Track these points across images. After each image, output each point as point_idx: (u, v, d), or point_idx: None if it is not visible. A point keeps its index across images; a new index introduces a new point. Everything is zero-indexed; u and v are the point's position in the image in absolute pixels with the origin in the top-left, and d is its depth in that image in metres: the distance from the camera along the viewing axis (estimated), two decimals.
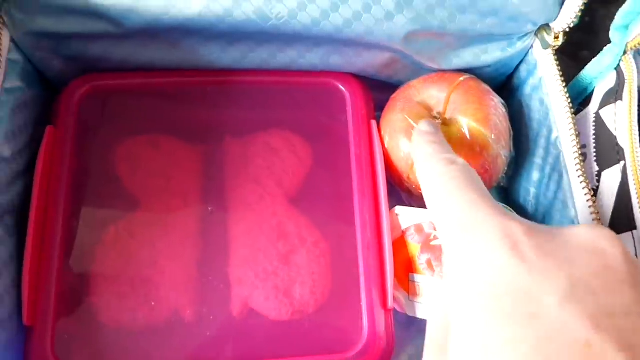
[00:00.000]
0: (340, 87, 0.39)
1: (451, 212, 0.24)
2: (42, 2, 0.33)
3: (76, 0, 0.33)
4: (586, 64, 0.37)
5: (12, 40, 0.35)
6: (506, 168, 0.38)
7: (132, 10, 0.33)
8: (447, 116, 0.37)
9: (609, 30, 0.34)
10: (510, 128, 0.37)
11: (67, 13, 0.34)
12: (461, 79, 0.37)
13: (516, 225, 0.22)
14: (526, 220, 0.22)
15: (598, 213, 0.32)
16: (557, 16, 0.35)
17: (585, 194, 0.33)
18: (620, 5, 0.32)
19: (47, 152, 0.35)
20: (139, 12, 0.33)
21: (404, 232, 0.36)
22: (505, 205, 0.38)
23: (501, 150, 0.36)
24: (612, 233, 0.21)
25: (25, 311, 0.32)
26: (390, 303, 0.34)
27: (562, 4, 0.34)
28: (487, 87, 0.38)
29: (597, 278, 0.19)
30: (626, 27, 0.32)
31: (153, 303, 0.34)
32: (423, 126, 0.32)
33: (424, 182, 0.27)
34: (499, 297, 0.20)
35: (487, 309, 0.20)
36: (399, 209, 0.36)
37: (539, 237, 0.21)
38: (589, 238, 0.21)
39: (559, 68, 0.35)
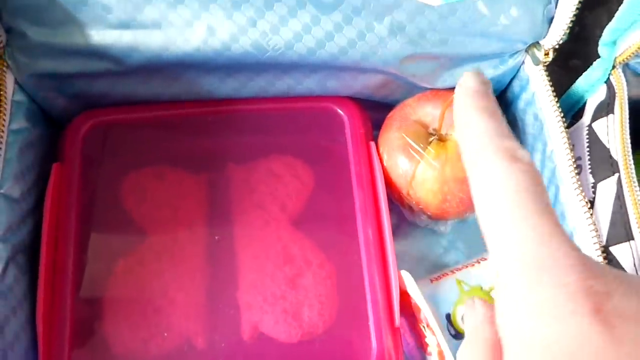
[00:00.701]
0: (338, 110, 0.40)
1: (513, 244, 0.19)
2: (45, 45, 0.34)
3: (77, 41, 0.34)
4: (576, 72, 0.37)
5: (16, 81, 0.36)
6: None
7: (132, 49, 0.34)
8: (443, 132, 0.38)
9: (597, 38, 0.34)
10: None
11: (69, 54, 0.35)
12: (454, 95, 0.38)
13: (598, 281, 0.17)
14: (602, 266, 0.18)
15: (596, 225, 0.33)
16: (547, 34, 0.35)
17: (583, 206, 0.33)
18: (609, 14, 0.32)
19: (55, 189, 0.36)
20: (139, 50, 0.34)
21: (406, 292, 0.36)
22: None
23: None
24: None
25: (41, 348, 0.33)
26: (397, 321, 0.35)
27: (551, 22, 0.35)
28: None
29: None
30: (614, 42, 0.33)
31: (165, 334, 0.34)
32: (469, 80, 0.23)
33: (475, 184, 0.21)
34: None
35: None
36: (405, 275, 0.35)
37: (625, 297, 0.17)
38: None
39: (551, 83, 0.36)
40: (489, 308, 0.23)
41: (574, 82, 0.38)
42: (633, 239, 0.31)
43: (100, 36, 0.34)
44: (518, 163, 0.20)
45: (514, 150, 0.20)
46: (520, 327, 0.18)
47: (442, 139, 0.37)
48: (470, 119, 0.22)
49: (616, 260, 0.32)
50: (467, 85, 0.23)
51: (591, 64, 0.36)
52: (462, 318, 0.36)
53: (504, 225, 0.19)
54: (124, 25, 0.33)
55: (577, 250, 0.18)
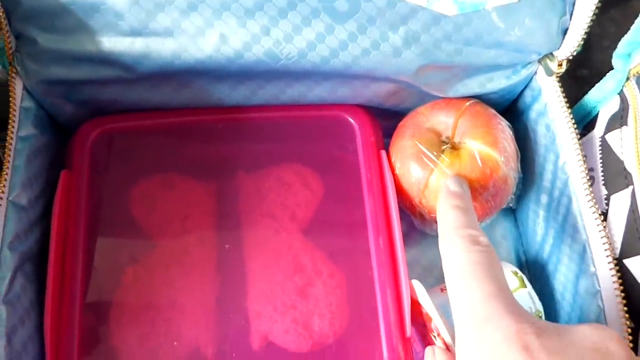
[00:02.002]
0: (349, 118, 0.40)
1: (467, 304, 0.25)
2: (55, 52, 0.34)
3: (88, 48, 0.33)
4: (584, 82, 0.37)
5: (25, 88, 0.35)
6: (515, 188, 0.39)
7: (144, 56, 0.34)
8: (456, 140, 0.37)
9: (603, 48, 0.34)
10: (518, 150, 0.38)
11: (80, 61, 0.34)
12: (467, 103, 0.38)
13: (529, 326, 0.23)
14: (535, 319, 0.24)
15: (609, 237, 0.33)
16: (561, 45, 0.35)
17: (596, 219, 0.33)
18: (615, 25, 0.32)
19: (63, 196, 0.36)
20: (151, 57, 0.34)
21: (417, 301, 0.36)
22: (517, 270, 0.39)
23: (510, 172, 0.37)
24: (617, 334, 0.23)
25: (49, 357, 0.32)
26: (409, 331, 0.35)
27: (565, 33, 0.35)
28: (493, 111, 0.38)
29: None
30: (629, 55, 0.33)
31: (175, 343, 0.34)
32: (452, 185, 0.33)
33: (446, 256, 0.28)
34: None
35: None
36: (416, 284, 0.36)
37: (550, 338, 0.22)
38: (596, 339, 0.22)
39: (564, 95, 0.36)
40: (447, 356, 0.31)
41: (582, 91, 0.38)
42: None
43: (112, 43, 0.33)
44: (477, 245, 0.27)
45: (476, 236, 0.28)
46: None
47: (455, 147, 0.37)
48: (447, 211, 0.31)
49: (630, 272, 0.32)
50: (450, 186, 0.33)
51: (599, 73, 0.36)
52: None
53: (462, 290, 0.26)
54: (136, 32, 0.33)
55: (516, 305, 0.24)
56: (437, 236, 0.42)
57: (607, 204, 0.34)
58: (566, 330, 0.23)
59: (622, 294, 0.31)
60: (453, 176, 0.34)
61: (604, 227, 0.33)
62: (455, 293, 0.26)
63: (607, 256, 0.33)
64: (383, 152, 0.39)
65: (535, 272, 0.41)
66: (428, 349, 0.32)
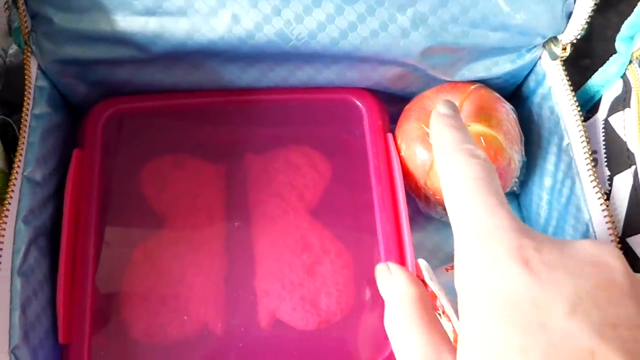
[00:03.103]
0: (357, 102, 0.40)
1: (469, 218, 0.24)
2: (70, 31, 0.34)
3: (103, 27, 0.34)
4: (587, 71, 0.38)
5: (39, 67, 0.36)
6: (518, 172, 0.39)
7: (157, 36, 0.34)
8: None
9: (607, 39, 0.35)
10: (522, 133, 0.39)
11: (94, 40, 0.35)
12: (472, 87, 0.39)
13: (529, 241, 0.22)
14: (537, 233, 0.23)
15: (612, 216, 0.33)
16: (565, 29, 0.36)
17: (599, 198, 0.34)
18: (619, 15, 0.33)
19: (76, 174, 0.36)
20: (164, 37, 0.34)
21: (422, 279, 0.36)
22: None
23: (514, 155, 0.38)
24: (616, 249, 0.22)
25: (61, 329, 0.33)
26: None
27: (569, 17, 0.36)
28: (498, 95, 0.39)
29: (602, 291, 0.20)
30: (631, 37, 0.34)
31: (185, 317, 0.35)
32: (442, 108, 0.31)
33: (443, 176, 0.27)
34: (510, 307, 0.21)
35: (498, 317, 0.21)
36: (422, 263, 0.36)
37: (549, 251, 0.22)
38: (595, 253, 0.22)
39: (568, 78, 0.37)
40: (404, 269, 0.31)
41: (585, 80, 0.39)
42: None
43: (126, 23, 0.34)
44: (475, 159, 0.26)
45: (473, 150, 0.27)
46: (473, 280, 0.23)
47: None
48: (441, 131, 0.29)
49: (632, 250, 0.32)
50: (440, 109, 0.31)
51: (601, 62, 0.37)
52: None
53: (463, 204, 0.25)
54: (150, 12, 0.34)
55: (517, 221, 0.24)
56: (440, 220, 0.43)
57: (610, 185, 0.35)
58: (566, 244, 0.23)
59: None
60: (442, 100, 0.33)
61: (607, 206, 0.34)
62: (455, 207, 0.25)
63: (609, 235, 0.33)
64: (390, 135, 0.39)
65: None
66: (380, 266, 0.31)
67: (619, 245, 0.32)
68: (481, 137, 0.36)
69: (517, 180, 0.40)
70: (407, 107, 0.40)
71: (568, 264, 0.21)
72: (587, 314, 0.20)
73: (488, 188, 0.25)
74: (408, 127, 0.38)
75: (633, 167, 0.33)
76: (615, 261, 0.21)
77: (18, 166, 0.33)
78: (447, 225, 0.43)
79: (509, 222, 0.23)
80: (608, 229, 0.33)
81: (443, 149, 0.28)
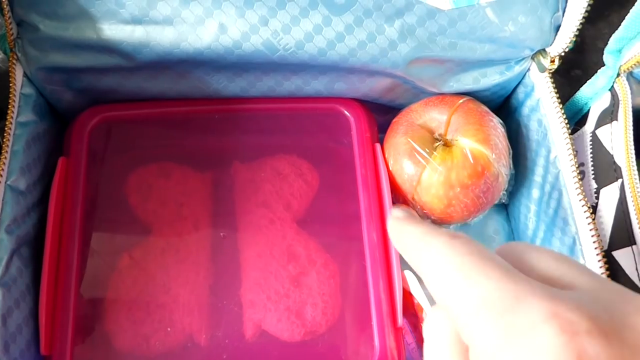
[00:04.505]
0: (345, 112, 0.40)
1: (479, 294, 0.18)
2: (56, 39, 0.34)
3: (89, 35, 0.34)
4: (578, 82, 0.38)
5: (25, 74, 0.36)
6: (507, 185, 0.39)
7: (144, 45, 0.34)
8: (449, 137, 0.38)
9: (598, 50, 0.35)
10: (509, 146, 0.39)
11: (80, 48, 0.35)
12: (460, 101, 0.39)
13: (577, 318, 0.16)
14: (580, 301, 0.17)
15: (597, 230, 0.33)
16: (553, 41, 0.36)
17: (585, 212, 0.34)
18: (609, 26, 0.33)
19: (61, 183, 0.36)
20: (150, 46, 0.34)
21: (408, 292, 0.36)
22: None
23: (502, 169, 0.37)
24: None
25: (43, 341, 0.33)
26: (400, 321, 0.35)
27: (558, 30, 0.36)
28: (486, 108, 0.39)
29: None
30: (619, 51, 0.34)
31: (168, 329, 0.34)
32: (396, 212, 0.24)
33: (423, 264, 0.20)
34: None
35: None
36: (408, 275, 0.36)
37: (608, 337, 0.16)
38: None
39: (556, 90, 0.37)
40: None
41: (575, 91, 0.39)
42: (635, 243, 0.31)
43: (112, 31, 0.34)
44: (457, 239, 0.20)
45: (450, 232, 0.21)
46: None
47: (447, 144, 0.37)
48: (404, 231, 0.22)
49: (618, 264, 0.32)
50: (395, 215, 0.24)
51: (592, 73, 0.37)
52: None
53: (462, 287, 0.19)
54: (137, 20, 0.34)
55: (552, 296, 0.17)
56: None
57: (597, 198, 0.35)
58: (622, 319, 0.17)
59: None
60: (395, 206, 0.30)
61: (593, 219, 0.34)
62: (456, 297, 0.19)
63: (595, 249, 0.33)
64: (378, 145, 0.39)
65: None
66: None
67: (604, 259, 0.32)
68: (469, 152, 0.36)
69: (505, 192, 0.40)
70: (394, 120, 0.40)
71: (629, 356, 0.16)
72: None
73: (487, 260, 0.19)
74: (395, 141, 0.38)
75: (619, 181, 0.33)
76: None
77: (1, 175, 0.32)
78: None
79: (537, 288, 0.17)
80: (594, 242, 0.33)
81: (415, 245, 0.21)
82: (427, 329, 0.21)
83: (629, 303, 0.17)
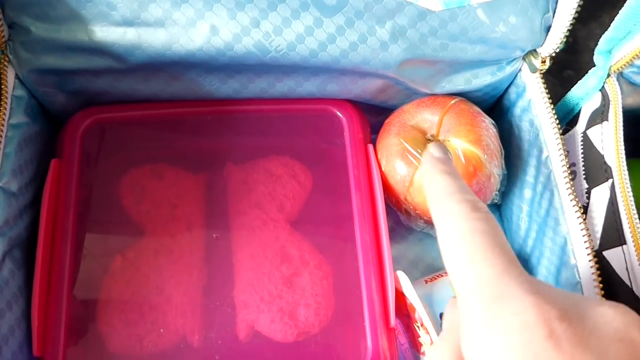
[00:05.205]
0: (337, 113, 0.40)
1: (477, 281, 0.21)
2: (48, 41, 0.34)
3: (81, 38, 0.34)
4: (570, 82, 0.38)
5: (17, 77, 0.36)
6: (499, 186, 0.39)
7: (135, 47, 0.34)
8: (441, 138, 0.38)
9: (590, 50, 0.35)
10: (502, 147, 0.39)
11: (72, 51, 0.35)
12: (452, 102, 0.39)
13: (550, 308, 0.20)
14: (553, 292, 0.21)
15: (588, 230, 0.33)
16: (544, 42, 0.36)
17: (576, 211, 0.34)
18: (601, 27, 0.33)
19: (53, 184, 0.36)
20: (142, 48, 0.34)
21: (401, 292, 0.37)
22: None
23: (494, 169, 0.38)
24: (638, 319, 0.21)
25: (35, 342, 0.33)
26: (393, 322, 0.35)
27: (548, 30, 0.36)
28: (478, 109, 0.39)
29: None
30: (609, 51, 0.34)
31: (161, 330, 0.34)
32: (434, 151, 0.28)
33: (442, 226, 0.24)
34: None
35: None
36: (401, 275, 0.36)
37: (573, 322, 0.20)
38: (619, 326, 0.20)
39: (547, 90, 0.37)
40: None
41: (567, 91, 0.39)
42: (625, 243, 0.31)
43: (104, 33, 0.34)
44: (477, 212, 0.23)
45: (474, 202, 0.24)
46: (484, 353, 0.20)
47: None
48: (436, 179, 0.25)
49: (609, 264, 0.32)
50: (432, 154, 0.27)
51: (584, 74, 0.37)
52: None
53: (465, 264, 0.22)
54: (128, 22, 0.34)
55: (531, 280, 0.21)
56: (422, 232, 0.43)
57: (588, 197, 0.35)
58: (587, 311, 0.21)
59: (601, 285, 0.32)
60: (435, 143, 0.31)
61: (584, 219, 0.34)
62: (458, 270, 0.22)
63: (586, 248, 0.33)
64: (370, 146, 0.39)
65: None
66: (451, 299, 0.27)
67: (595, 259, 0.33)
68: (461, 153, 0.36)
69: (497, 192, 0.40)
70: (387, 121, 0.40)
71: (592, 341, 0.20)
72: None
73: (494, 244, 0.22)
74: (388, 142, 0.38)
75: (610, 181, 0.33)
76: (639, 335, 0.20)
77: None
78: (428, 236, 0.44)
79: (522, 283, 0.21)
80: (584, 242, 0.33)
81: (439, 199, 0.25)
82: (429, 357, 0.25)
83: (589, 301, 0.21)
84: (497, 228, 0.23)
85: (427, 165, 0.27)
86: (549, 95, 0.37)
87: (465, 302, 0.22)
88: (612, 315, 0.21)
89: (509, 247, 0.23)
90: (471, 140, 0.37)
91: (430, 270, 0.42)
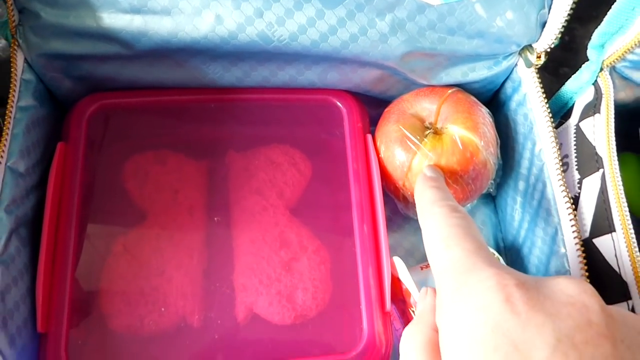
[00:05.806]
0: (338, 103, 0.41)
1: (449, 262, 0.25)
2: (57, 26, 0.35)
3: (89, 23, 0.35)
4: (566, 79, 0.39)
5: (26, 61, 0.37)
6: (494, 174, 0.40)
7: (142, 33, 0.35)
8: (439, 126, 0.39)
9: (586, 48, 0.36)
10: (497, 136, 0.40)
11: (80, 36, 0.36)
12: (450, 91, 0.40)
13: (509, 277, 0.23)
14: (516, 272, 0.24)
15: (577, 221, 0.34)
16: (539, 37, 0.37)
17: (566, 202, 0.35)
18: (597, 26, 0.34)
19: (59, 167, 0.37)
20: (148, 35, 0.35)
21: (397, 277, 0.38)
22: (493, 252, 0.41)
23: (490, 157, 0.39)
24: (590, 287, 0.23)
25: (39, 318, 0.34)
26: (388, 306, 0.36)
27: (544, 26, 0.37)
28: (474, 99, 0.40)
29: (580, 332, 0.21)
30: (602, 46, 0.35)
31: (163, 309, 0.35)
32: (427, 171, 0.35)
33: (426, 224, 0.29)
34: (491, 348, 0.21)
35: (478, 353, 0.21)
36: (397, 261, 0.37)
37: (529, 290, 0.23)
38: (571, 293, 0.23)
39: (541, 85, 0.38)
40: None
41: None
42: (615, 230, 0.32)
43: (112, 20, 0.35)
44: (456, 212, 0.29)
45: (454, 206, 0.29)
46: (452, 317, 0.23)
47: (437, 133, 0.38)
48: (426, 192, 0.32)
49: (598, 251, 0.33)
50: (425, 174, 0.35)
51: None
52: None
53: (442, 249, 0.27)
54: (135, 10, 0.35)
55: (494, 260, 0.25)
56: (418, 221, 0.44)
57: (580, 188, 0.36)
58: (543, 282, 0.23)
59: (587, 273, 0.33)
60: (429, 165, 0.36)
61: (574, 210, 0.35)
62: (436, 255, 0.27)
63: (574, 238, 0.34)
64: (369, 136, 0.40)
65: (512, 256, 0.43)
66: (422, 289, 0.31)
67: (582, 248, 0.34)
68: (458, 139, 0.37)
69: (493, 182, 0.41)
70: (386, 109, 0.41)
71: (546, 304, 0.22)
72: (566, 355, 0.20)
73: (467, 234, 0.27)
74: (387, 129, 0.39)
75: (601, 171, 0.34)
76: (590, 300, 0.22)
77: (1, 156, 0.33)
78: None
79: (488, 261, 0.25)
80: (573, 232, 0.34)
81: (425, 205, 0.31)
82: (404, 337, 0.28)
83: (549, 277, 0.24)
84: (471, 223, 0.28)
85: (419, 183, 0.33)
86: (543, 90, 0.38)
87: (440, 279, 0.25)
88: (566, 284, 0.23)
89: (480, 237, 0.27)
90: (468, 127, 0.38)
91: (425, 258, 0.43)
